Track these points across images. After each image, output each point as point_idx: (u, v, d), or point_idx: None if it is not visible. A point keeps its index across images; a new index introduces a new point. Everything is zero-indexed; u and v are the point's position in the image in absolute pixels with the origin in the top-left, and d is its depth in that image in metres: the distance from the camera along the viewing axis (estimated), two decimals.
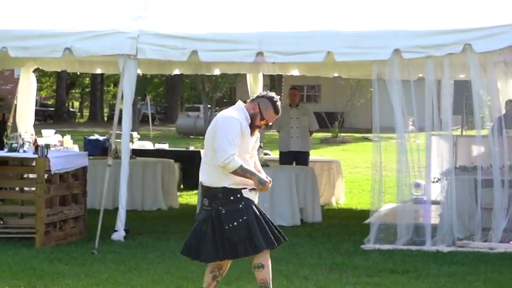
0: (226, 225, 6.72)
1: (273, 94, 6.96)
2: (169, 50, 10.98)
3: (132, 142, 15.09)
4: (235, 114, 6.78)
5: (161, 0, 11.66)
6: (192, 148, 18.28)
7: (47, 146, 10.67)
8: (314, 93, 50.53)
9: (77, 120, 61.62)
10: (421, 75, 11.38)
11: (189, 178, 16.88)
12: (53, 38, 11.17)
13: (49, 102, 66.67)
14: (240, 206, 6.77)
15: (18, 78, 15.67)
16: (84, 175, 11.18)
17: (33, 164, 10.58)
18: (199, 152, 17.26)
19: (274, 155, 16.19)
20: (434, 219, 11.00)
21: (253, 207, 6.86)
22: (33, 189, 10.51)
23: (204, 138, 6.98)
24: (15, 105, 15.07)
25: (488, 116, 11.08)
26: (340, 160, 16.59)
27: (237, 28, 11.09)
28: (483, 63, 10.67)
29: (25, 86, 14.94)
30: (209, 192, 6.83)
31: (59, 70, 18.46)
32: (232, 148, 6.64)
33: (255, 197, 6.92)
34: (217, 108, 47.24)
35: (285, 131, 14.46)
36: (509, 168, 10.72)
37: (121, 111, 11.15)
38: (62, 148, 14.18)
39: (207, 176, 6.85)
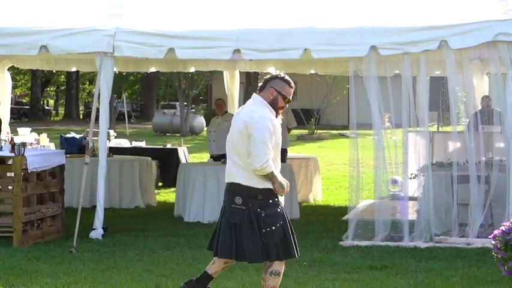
0: (264, 229, 6.68)
1: (278, 73, 7.05)
2: (146, 48, 10.97)
3: (109, 140, 15.05)
4: (263, 112, 6.75)
5: None
6: (169, 146, 18.24)
7: (24, 145, 10.62)
8: None
9: (52, 118, 61.26)
10: (397, 71, 11.43)
11: (167, 176, 16.86)
12: (29, 35, 11.13)
13: (24, 100, 66.26)
14: (278, 210, 6.76)
15: None
16: (62, 173, 11.14)
17: (10, 162, 10.52)
18: (176, 149, 17.25)
19: None
20: (412, 215, 11.06)
21: (285, 213, 6.87)
22: (10, 187, 10.44)
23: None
24: None
25: (464, 112, 11.15)
26: (317, 157, 16.63)
27: (214, 25, 11.09)
28: (459, 60, 10.73)
29: (0, 84, 14.85)
30: (246, 192, 6.73)
31: (35, 68, 18.35)
32: (270, 151, 6.65)
33: (282, 201, 6.92)
34: (193, 105, 47.28)
35: None
36: (485, 164, 10.79)
37: (98, 109, 11.11)
38: (39, 146, 14.12)
39: (244, 177, 6.73)
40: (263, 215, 6.69)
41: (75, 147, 14.70)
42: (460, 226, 10.70)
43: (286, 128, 14.56)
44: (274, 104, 6.84)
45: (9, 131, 13.94)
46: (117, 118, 43.01)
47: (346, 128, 10.81)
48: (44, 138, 14.78)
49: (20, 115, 55.24)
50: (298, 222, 12.36)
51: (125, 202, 14.20)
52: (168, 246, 10.35)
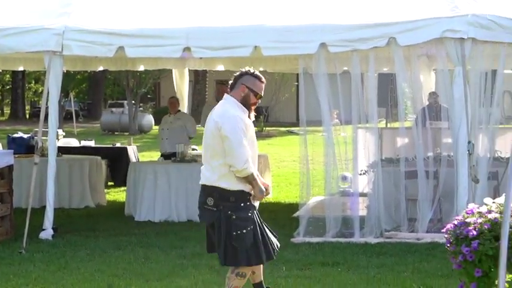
0: (234, 232, 6.56)
1: (247, 68, 6.86)
2: (95, 46, 10.88)
3: (58, 139, 14.91)
4: (235, 111, 6.64)
5: None
6: (118, 145, 18.14)
7: None
8: None
9: None
10: (346, 68, 11.50)
11: (117, 175, 16.78)
12: None
13: None
14: (249, 213, 6.64)
15: None
16: (10, 174, 11.00)
17: None
18: (126, 148, 17.16)
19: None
20: (362, 211, 11.13)
21: (258, 216, 6.76)
22: None
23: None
24: None
25: (411, 108, 11.26)
26: (267, 154, 16.67)
27: (164, 23, 11.04)
28: (407, 56, 10.83)
29: None
30: (218, 193, 6.61)
31: None
32: (247, 150, 6.54)
33: (256, 204, 6.82)
34: (141, 104, 47.04)
35: None
36: (433, 159, 10.91)
37: (46, 108, 11.01)
38: None
39: (215, 178, 6.62)
40: (234, 217, 6.57)
41: (23, 147, 14.57)
42: (410, 221, 10.80)
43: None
44: (246, 101, 6.73)
45: None
46: (64, 117, 42.63)
47: (295, 125, 10.86)
48: None
49: None
50: None
51: (74, 202, 14.10)
52: (119, 245, 10.29)
